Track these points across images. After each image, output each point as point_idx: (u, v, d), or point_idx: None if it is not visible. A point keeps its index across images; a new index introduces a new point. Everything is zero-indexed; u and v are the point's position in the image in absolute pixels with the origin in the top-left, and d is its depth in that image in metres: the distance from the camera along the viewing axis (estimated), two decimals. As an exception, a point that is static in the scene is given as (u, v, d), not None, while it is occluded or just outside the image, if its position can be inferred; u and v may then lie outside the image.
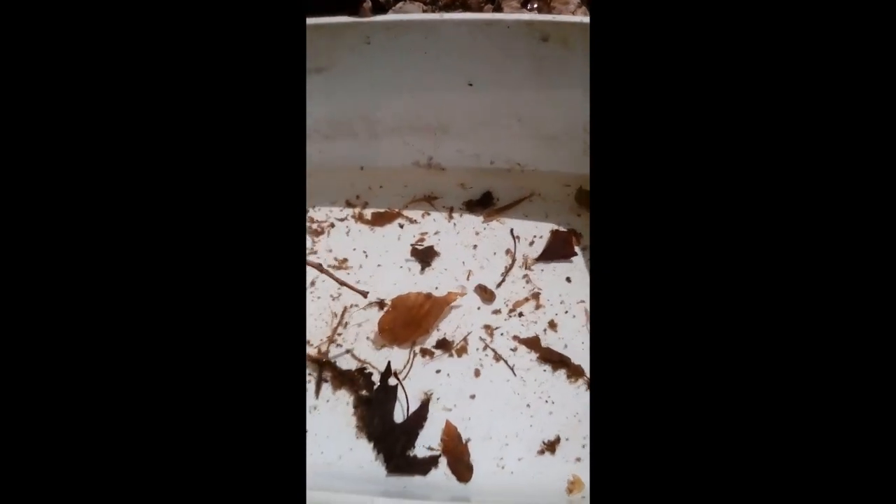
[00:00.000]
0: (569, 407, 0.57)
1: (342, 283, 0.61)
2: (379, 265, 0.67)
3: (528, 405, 0.57)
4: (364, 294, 0.63)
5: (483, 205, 0.70)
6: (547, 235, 0.67)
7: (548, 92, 0.59)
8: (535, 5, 0.92)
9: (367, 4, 0.94)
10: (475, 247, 0.68)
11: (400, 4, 0.90)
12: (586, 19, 0.55)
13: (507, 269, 0.65)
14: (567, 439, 0.55)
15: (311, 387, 0.59)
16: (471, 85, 0.61)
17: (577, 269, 0.65)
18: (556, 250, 0.66)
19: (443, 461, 0.54)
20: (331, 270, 0.64)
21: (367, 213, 0.70)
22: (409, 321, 0.62)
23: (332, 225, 0.70)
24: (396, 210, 0.70)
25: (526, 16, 0.56)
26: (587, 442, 0.55)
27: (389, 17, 0.58)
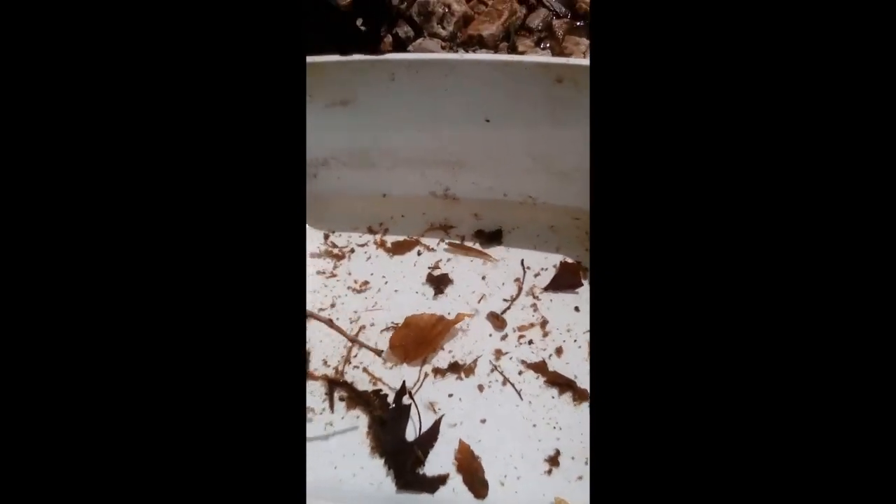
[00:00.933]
0: (574, 429, 0.59)
1: (353, 340, 0.63)
2: (396, 290, 0.70)
3: (534, 425, 0.59)
4: (378, 353, 0.65)
5: (494, 239, 0.73)
6: (554, 266, 0.70)
7: (560, 130, 0.62)
8: (548, 45, 0.96)
9: (388, 40, 0.98)
10: (483, 277, 0.71)
11: (419, 41, 0.95)
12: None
13: (514, 298, 0.68)
14: (573, 458, 0.57)
15: (326, 405, 0.61)
16: (488, 121, 0.64)
17: (585, 299, 0.68)
18: (564, 281, 0.69)
19: (452, 479, 0.56)
20: (339, 326, 0.67)
21: (388, 239, 0.74)
22: (420, 340, 0.64)
23: (353, 250, 0.73)
24: (415, 238, 0.73)
25: (542, 58, 0.59)
26: (588, 460, 0.57)
27: (413, 55, 0.62)
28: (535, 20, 0.97)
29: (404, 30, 0.97)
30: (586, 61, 0.59)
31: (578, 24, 0.98)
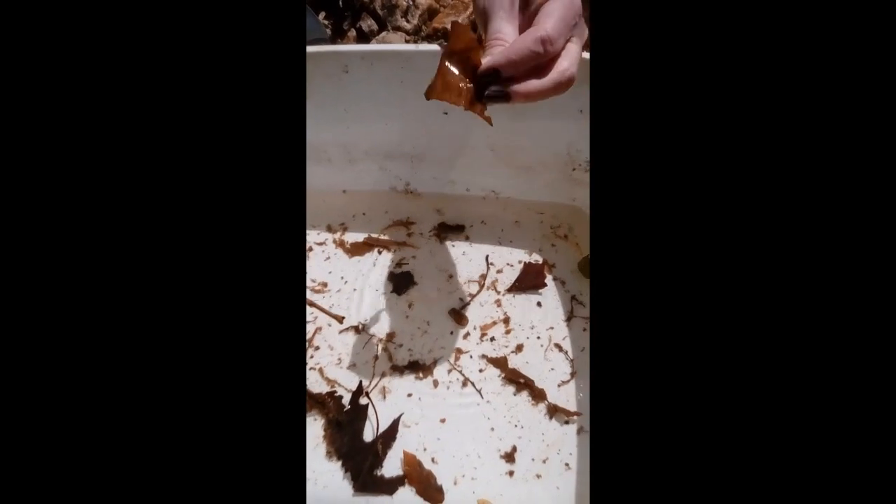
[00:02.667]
0: (534, 428, 0.58)
1: (321, 309, 0.62)
2: (355, 289, 0.68)
3: (492, 428, 0.58)
4: (340, 319, 0.64)
5: (457, 231, 0.71)
6: (519, 262, 0.69)
7: (520, 123, 0.61)
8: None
9: (352, 34, 0.96)
10: (448, 275, 0.69)
11: (383, 35, 0.93)
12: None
13: (474, 295, 0.67)
14: (532, 458, 0.56)
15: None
16: (446, 114, 0.63)
17: (548, 295, 0.66)
18: (528, 282, 0.67)
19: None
20: (309, 297, 0.65)
21: (348, 239, 0.72)
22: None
23: (311, 248, 0.71)
24: (374, 237, 0.71)
25: (497, 49, 0.58)
26: (546, 459, 0.56)
27: (366, 46, 0.60)
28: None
29: (368, 24, 0.95)
30: (543, 51, 0.57)
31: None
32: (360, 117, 0.64)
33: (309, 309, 0.66)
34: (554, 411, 0.58)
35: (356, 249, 0.71)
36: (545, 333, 0.64)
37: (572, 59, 0.43)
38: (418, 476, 0.54)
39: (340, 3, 0.98)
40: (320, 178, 0.71)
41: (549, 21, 0.42)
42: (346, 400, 0.59)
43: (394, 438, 0.58)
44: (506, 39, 0.43)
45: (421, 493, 0.54)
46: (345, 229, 0.72)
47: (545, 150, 0.64)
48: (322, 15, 0.98)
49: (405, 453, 0.56)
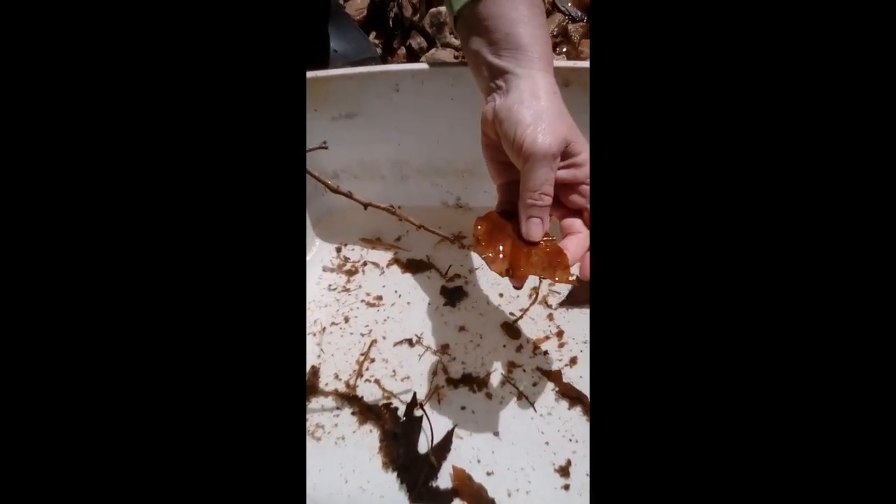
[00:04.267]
0: (588, 444, 0.57)
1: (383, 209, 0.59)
2: (409, 303, 0.69)
3: (546, 442, 0.58)
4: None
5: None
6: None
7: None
8: (564, 49, 0.95)
9: (402, 52, 0.98)
10: (500, 291, 0.69)
11: (432, 52, 0.95)
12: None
13: (525, 309, 0.67)
14: (586, 473, 0.55)
15: (339, 419, 0.61)
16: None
17: (602, 307, 0.66)
18: (580, 296, 0.67)
19: (464, 495, 0.55)
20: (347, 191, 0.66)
21: (403, 256, 0.73)
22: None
23: (366, 264, 0.73)
24: (427, 258, 0.72)
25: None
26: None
27: (415, 65, 0.61)
28: (550, 26, 0.96)
29: (417, 41, 0.97)
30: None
31: (594, 28, 0.96)
32: (412, 135, 0.66)
33: (364, 321, 0.67)
34: (609, 426, 0.58)
35: (410, 265, 0.72)
36: (599, 346, 0.63)
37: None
38: (469, 490, 0.55)
39: (391, 22, 1.00)
40: (374, 195, 0.73)
41: None
42: (402, 412, 0.60)
43: (448, 450, 0.58)
44: (551, 194, 0.45)
45: (472, 505, 0.54)
46: (398, 240, 0.74)
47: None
48: (373, 35, 1.01)
49: (454, 468, 0.56)
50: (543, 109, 0.44)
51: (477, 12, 0.46)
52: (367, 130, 0.64)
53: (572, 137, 0.45)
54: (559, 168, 0.46)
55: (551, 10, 0.99)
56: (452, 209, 0.74)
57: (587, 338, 0.64)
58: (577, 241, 0.48)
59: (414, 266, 0.71)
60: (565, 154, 0.46)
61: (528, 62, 0.45)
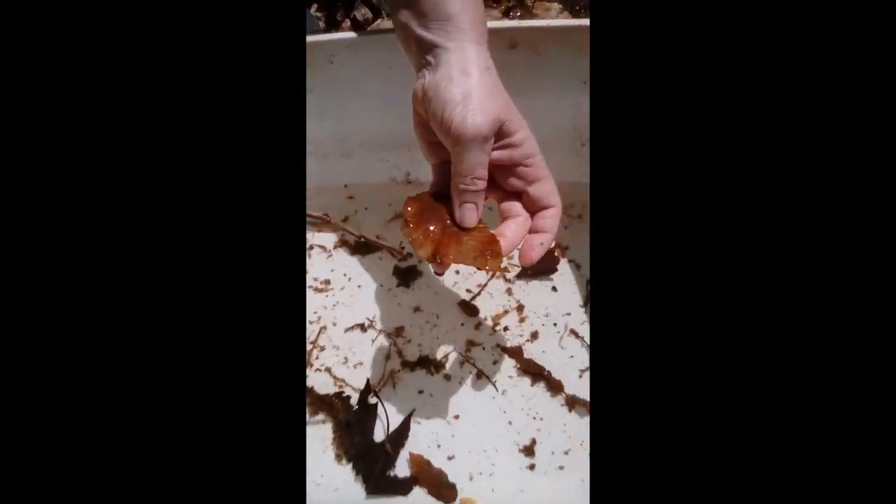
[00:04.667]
0: (553, 420, 0.54)
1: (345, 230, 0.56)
2: (360, 286, 0.65)
3: (510, 422, 0.55)
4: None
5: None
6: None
7: (520, 100, 0.58)
8: (518, 14, 0.92)
9: (346, 25, 0.94)
10: (457, 270, 0.66)
11: (378, 22, 0.91)
12: (554, 23, 0.54)
13: (483, 285, 0.64)
14: (552, 452, 0.53)
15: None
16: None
17: (565, 279, 0.63)
18: (538, 266, 0.64)
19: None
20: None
21: (350, 238, 0.69)
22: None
23: (311, 247, 0.69)
24: (377, 237, 0.68)
25: (491, 23, 0.55)
26: (568, 451, 0.53)
27: (348, 34, 0.57)
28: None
29: (362, 12, 0.93)
30: (542, 22, 0.54)
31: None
32: (352, 108, 0.62)
33: (312, 308, 0.63)
34: (573, 403, 0.55)
35: (359, 247, 0.68)
36: (561, 320, 0.60)
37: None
38: (428, 476, 0.51)
39: (332, -5, 0.95)
40: (318, 173, 0.69)
41: (552, 226, 0.45)
42: (355, 400, 0.57)
43: (405, 437, 0.55)
44: (485, 178, 0.43)
45: (433, 492, 0.51)
46: (347, 225, 0.70)
47: (549, 126, 0.61)
48: (314, 7, 0.96)
49: (412, 455, 0.53)
50: (473, 86, 0.41)
51: None
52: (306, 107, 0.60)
53: (507, 116, 0.42)
54: (494, 149, 0.43)
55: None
56: (402, 185, 0.70)
57: (548, 310, 0.61)
58: (514, 225, 0.45)
59: (363, 247, 0.67)
60: (500, 134, 0.42)
61: (459, 34, 0.42)
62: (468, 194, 0.43)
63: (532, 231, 0.45)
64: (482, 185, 0.43)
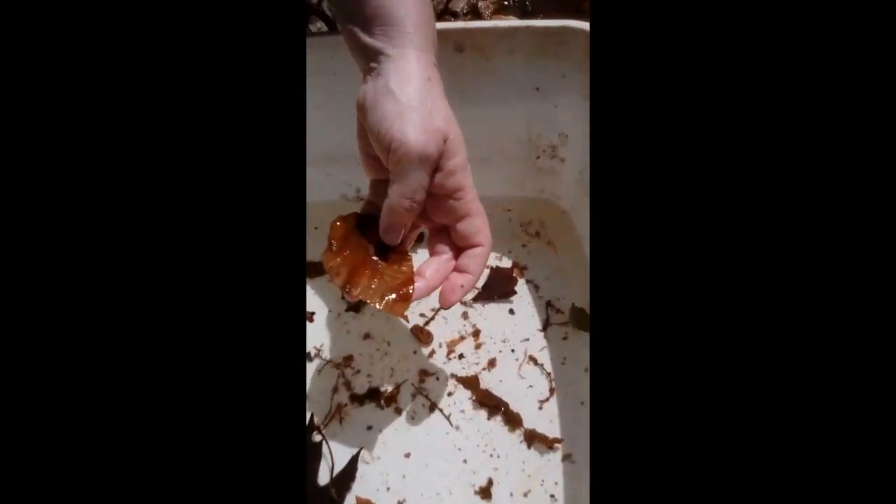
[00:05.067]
0: (511, 457, 0.50)
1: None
2: (313, 311, 0.60)
3: (464, 461, 0.50)
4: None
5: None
6: (488, 267, 0.61)
7: (470, 108, 0.54)
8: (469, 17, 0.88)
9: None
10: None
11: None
12: (502, 24, 0.50)
13: (437, 309, 0.59)
14: (510, 493, 0.48)
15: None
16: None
17: (523, 302, 0.59)
18: (496, 289, 0.59)
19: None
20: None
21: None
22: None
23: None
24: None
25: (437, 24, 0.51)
26: (528, 493, 0.48)
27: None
28: (460, 3, 0.89)
29: (317, 26, 0.89)
30: (488, 23, 0.50)
31: (506, 2, 0.90)
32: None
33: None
34: (532, 439, 0.50)
35: (308, 269, 0.63)
36: (519, 346, 0.56)
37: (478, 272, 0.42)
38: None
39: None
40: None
41: (477, 267, 0.41)
42: (297, 439, 0.52)
43: (352, 479, 0.50)
44: (421, 202, 0.39)
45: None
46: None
47: (502, 136, 0.57)
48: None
49: (358, 500, 0.48)
50: (414, 98, 0.37)
51: None
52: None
53: (449, 132, 0.38)
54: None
55: (460, -15, 0.92)
56: (354, 202, 0.66)
57: (505, 336, 0.57)
58: (436, 265, 0.41)
59: (311, 269, 0.63)
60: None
61: (402, 39, 0.37)
62: (398, 215, 0.39)
63: (456, 269, 0.42)
64: (417, 208, 0.39)
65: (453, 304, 0.41)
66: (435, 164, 0.38)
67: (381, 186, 0.42)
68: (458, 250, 0.42)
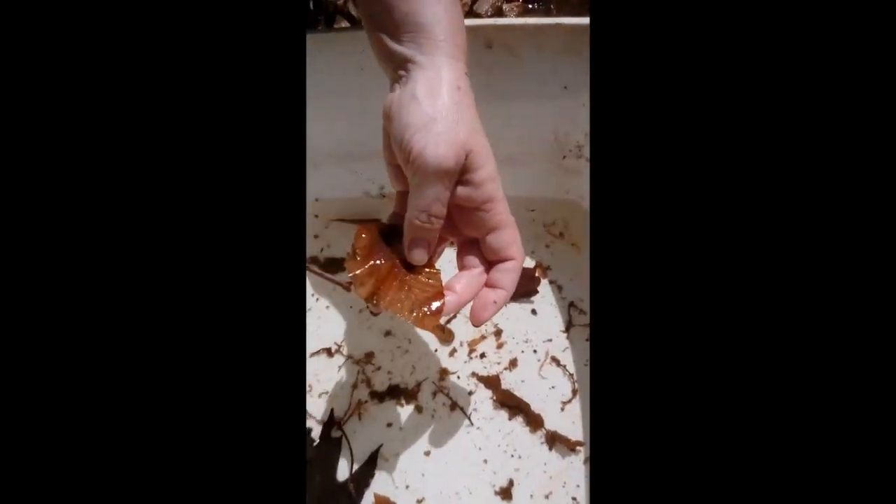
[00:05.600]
0: (533, 458, 0.49)
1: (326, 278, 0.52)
2: (328, 307, 0.60)
3: (485, 460, 0.50)
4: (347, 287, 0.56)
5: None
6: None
7: (498, 105, 0.53)
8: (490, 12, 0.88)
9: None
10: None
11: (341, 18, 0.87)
12: (531, 21, 0.49)
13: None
14: (531, 495, 0.47)
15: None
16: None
17: (545, 302, 0.58)
18: (520, 287, 0.58)
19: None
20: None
21: (321, 254, 0.64)
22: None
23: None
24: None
25: (465, 21, 0.51)
26: (549, 495, 0.47)
27: (317, 33, 0.53)
28: (484, 5, 0.89)
29: (342, 26, 0.89)
30: (518, 20, 0.50)
31: (531, 6, 0.90)
32: (319, 114, 0.57)
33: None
34: (554, 440, 0.50)
35: (330, 264, 0.63)
36: (542, 346, 0.55)
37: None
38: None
39: (311, 5, 0.92)
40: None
41: (509, 282, 0.40)
42: (317, 433, 0.52)
43: (371, 476, 0.50)
44: (443, 216, 0.38)
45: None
46: (322, 249, 0.65)
47: (529, 136, 0.57)
48: (294, 20, 0.93)
49: (377, 497, 0.48)
50: (440, 109, 0.35)
51: None
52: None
53: (473, 146, 0.36)
54: (455, 184, 0.37)
55: (485, -12, 0.92)
56: (377, 200, 0.66)
57: (527, 336, 0.56)
58: (466, 279, 0.40)
59: (334, 265, 0.63)
60: (463, 168, 0.37)
61: (431, 47, 0.36)
62: (420, 231, 0.38)
63: (487, 285, 0.40)
64: (438, 223, 0.38)
65: (485, 322, 0.40)
66: (454, 179, 0.37)
67: (405, 199, 0.41)
68: (488, 264, 0.41)
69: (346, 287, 0.39)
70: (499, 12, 0.90)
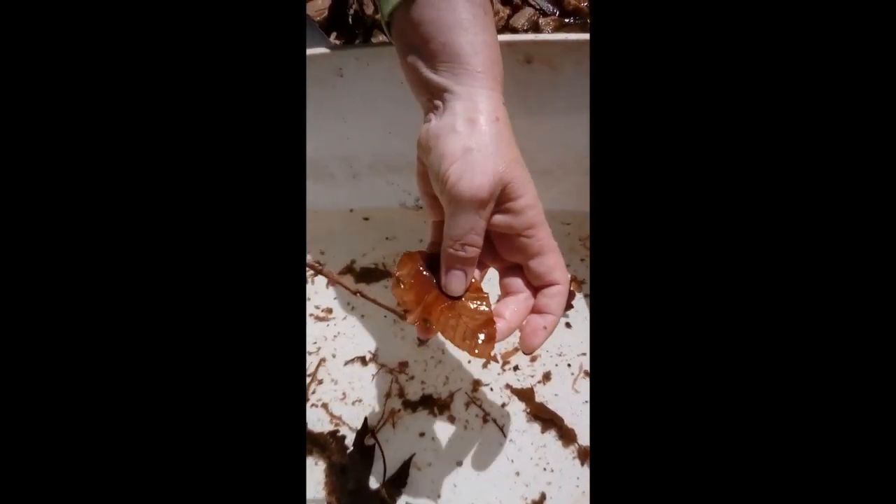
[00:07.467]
0: (567, 472, 0.49)
1: (340, 283, 0.53)
2: (363, 315, 0.61)
3: (517, 473, 0.50)
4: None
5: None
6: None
7: (536, 119, 0.54)
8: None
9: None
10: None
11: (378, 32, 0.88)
12: (571, 37, 0.50)
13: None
14: (563, 512, 0.47)
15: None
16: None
17: (580, 316, 0.58)
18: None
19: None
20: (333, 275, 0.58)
21: (357, 264, 0.65)
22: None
23: (316, 274, 0.65)
24: (383, 266, 0.65)
25: (506, 36, 0.51)
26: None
27: (360, 46, 0.54)
28: (521, 20, 0.90)
29: (379, 40, 0.91)
30: (559, 36, 0.50)
31: (567, 21, 0.90)
32: (360, 125, 0.59)
33: (312, 338, 0.59)
34: (587, 455, 0.50)
35: (365, 274, 0.64)
36: (575, 360, 0.55)
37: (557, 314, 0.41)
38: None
39: (350, 20, 0.93)
40: (322, 196, 0.65)
41: (557, 307, 0.40)
42: (350, 440, 0.52)
43: (403, 484, 0.50)
44: (478, 245, 0.38)
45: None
46: (342, 278, 0.66)
47: (563, 149, 0.57)
48: (333, 35, 0.94)
49: (409, 505, 0.48)
50: (478, 140, 0.36)
51: (410, 18, 0.37)
52: (310, 122, 0.56)
53: (512, 176, 0.37)
54: (493, 212, 0.37)
55: (521, 4, 0.93)
56: (412, 211, 0.67)
57: (561, 350, 0.56)
58: (514, 304, 0.40)
59: (368, 274, 0.63)
60: (501, 196, 0.37)
61: (468, 77, 0.37)
62: (457, 261, 0.38)
63: (535, 310, 0.40)
64: (474, 252, 0.38)
65: (537, 349, 0.40)
66: (490, 209, 0.37)
67: (438, 229, 0.41)
68: (533, 289, 0.41)
69: (402, 316, 0.39)
70: (535, 27, 0.90)
